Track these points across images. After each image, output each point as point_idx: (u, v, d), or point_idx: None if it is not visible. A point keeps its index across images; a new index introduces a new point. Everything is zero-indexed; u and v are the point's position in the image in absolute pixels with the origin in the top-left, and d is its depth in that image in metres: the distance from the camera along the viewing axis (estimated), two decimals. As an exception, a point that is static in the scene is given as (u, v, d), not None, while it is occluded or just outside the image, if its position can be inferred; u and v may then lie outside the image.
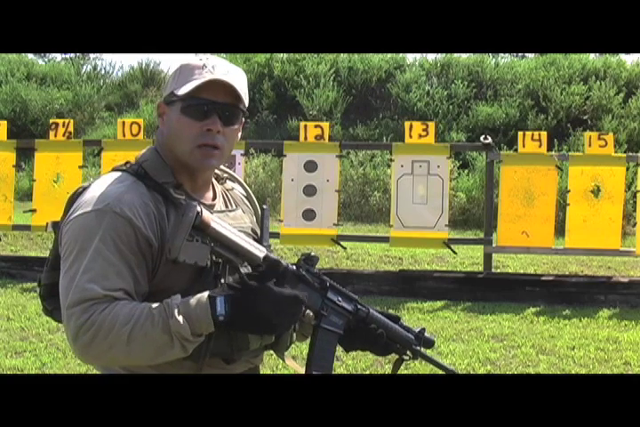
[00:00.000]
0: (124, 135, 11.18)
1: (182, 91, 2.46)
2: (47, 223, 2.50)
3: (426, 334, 2.67)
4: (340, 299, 2.52)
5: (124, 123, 11.40)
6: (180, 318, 2.27)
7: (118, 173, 2.49)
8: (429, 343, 2.68)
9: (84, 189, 2.52)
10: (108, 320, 2.26)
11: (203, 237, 2.32)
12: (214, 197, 2.64)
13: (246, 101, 2.55)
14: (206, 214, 2.35)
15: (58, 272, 2.44)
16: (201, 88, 2.44)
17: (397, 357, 2.67)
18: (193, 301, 2.29)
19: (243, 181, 2.83)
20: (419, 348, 2.66)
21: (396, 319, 2.65)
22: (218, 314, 2.27)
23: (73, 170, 11.33)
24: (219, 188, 2.71)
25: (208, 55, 2.56)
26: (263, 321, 2.30)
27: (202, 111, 2.46)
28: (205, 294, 2.31)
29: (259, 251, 2.42)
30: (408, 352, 2.68)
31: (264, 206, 2.67)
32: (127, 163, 2.54)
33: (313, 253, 2.48)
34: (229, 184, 2.77)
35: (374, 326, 2.56)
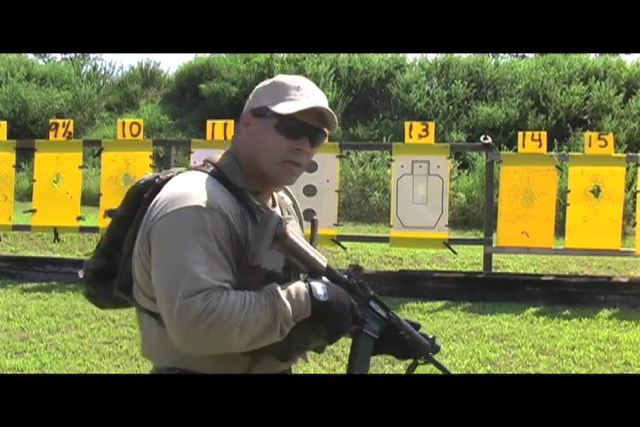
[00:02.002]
0: (124, 135, 11.18)
1: (281, 110, 2.58)
2: (105, 210, 2.53)
3: (436, 342, 2.81)
4: (377, 306, 2.67)
5: (124, 123, 11.40)
6: (285, 301, 2.41)
7: (201, 173, 2.60)
8: (438, 350, 2.81)
9: (157, 184, 2.62)
10: (226, 308, 2.35)
11: (280, 245, 2.48)
12: (274, 205, 2.76)
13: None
14: (285, 225, 2.49)
15: (107, 258, 2.68)
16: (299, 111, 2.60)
17: (412, 360, 2.79)
18: (291, 286, 2.46)
19: (290, 191, 2.93)
20: (431, 354, 2.78)
21: (417, 327, 2.79)
22: (318, 295, 2.45)
23: (73, 170, 11.33)
24: (276, 196, 2.82)
25: (296, 76, 2.76)
26: (345, 314, 2.51)
27: (295, 132, 2.61)
28: (299, 281, 2.49)
29: (322, 260, 2.58)
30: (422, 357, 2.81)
31: (314, 217, 2.85)
32: (205, 164, 2.65)
33: (360, 265, 2.67)
34: (280, 193, 2.88)
35: (403, 332, 2.71)
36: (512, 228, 10.31)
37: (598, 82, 18.70)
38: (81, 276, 2.76)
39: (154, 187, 2.61)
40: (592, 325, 8.79)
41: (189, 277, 2.36)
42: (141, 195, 2.63)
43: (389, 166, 11.31)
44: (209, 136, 11.11)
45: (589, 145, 10.31)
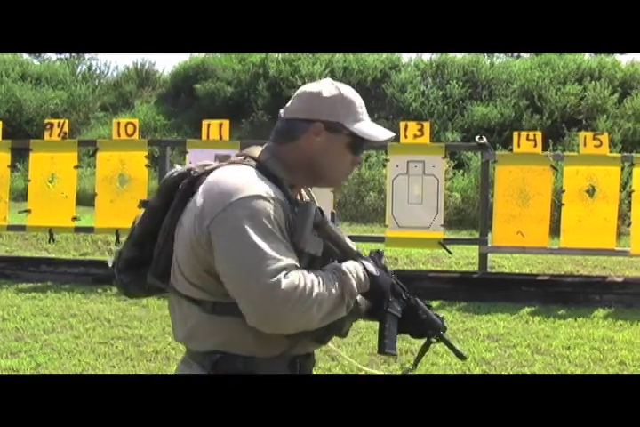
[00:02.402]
0: (119, 135, 11.18)
1: (363, 133, 2.75)
2: (140, 201, 2.55)
3: (444, 322, 2.93)
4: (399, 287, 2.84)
5: (119, 123, 11.39)
6: (350, 276, 2.58)
7: (245, 166, 2.70)
8: (446, 330, 2.93)
9: (193, 176, 2.70)
10: (307, 285, 2.47)
11: (319, 231, 2.61)
12: (301, 199, 2.85)
13: None
14: (323, 214, 2.64)
15: (139, 248, 2.79)
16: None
17: (426, 339, 2.90)
18: (348, 264, 2.64)
19: (309, 189, 3.01)
20: (442, 333, 2.91)
21: (430, 307, 2.92)
22: (371, 271, 2.66)
23: (68, 170, 11.33)
24: (303, 191, 2.93)
25: (350, 88, 2.84)
26: (388, 291, 2.74)
27: (361, 150, 2.82)
28: (351, 261, 2.67)
29: (353, 246, 2.74)
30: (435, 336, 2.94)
31: (333, 211, 2.92)
32: (246, 158, 2.75)
33: (380, 249, 2.84)
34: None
35: (420, 311, 2.85)
36: (507, 227, 10.32)
37: (593, 82, 18.71)
38: (110, 265, 2.87)
39: (190, 179, 2.70)
40: (587, 324, 8.80)
41: (268, 259, 2.45)
42: (175, 186, 2.71)
43: (385, 166, 11.33)
44: (204, 136, 11.10)
45: (584, 145, 10.32)
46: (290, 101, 2.79)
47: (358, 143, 2.77)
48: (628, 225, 10.70)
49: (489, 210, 10.62)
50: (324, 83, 2.79)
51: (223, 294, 2.55)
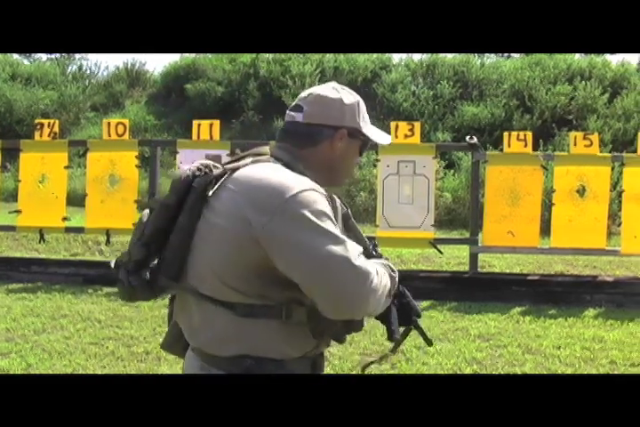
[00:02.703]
0: (109, 135, 11.16)
1: (376, 138, 2.88)
2: (136, 201, 2.54)
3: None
4: None
5: (109, 123, 11.38)
6: (395, 274, 2.74)
7: (278, 165, 2.72)
8: (420, 315, 2.99)
9: (214, 175, 2.69)
10: (377, 270, 2.56)
11: (344, 224, 2.74)
12: None
13: None
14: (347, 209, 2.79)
15: (150, 247, 2.72)
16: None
17: (406, 327, 2.94)
18: (384, 261, 2.78)
19: None
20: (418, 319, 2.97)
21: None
22: (395, 271, 2.75)
23: (58, 170, 11.31)
24: None
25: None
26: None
27: (364, 151, 2.94)
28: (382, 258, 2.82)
29: (367, 240, 2.86)
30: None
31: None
32: (267, 157, 2.78)
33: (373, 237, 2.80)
34: None
35: (409, 299, 2.90)
36: (498, 227, 10.33)
37: (583, 82, 18.74)
38: (113, 266, 2.80)
39: (207, 177, 2.69)
40: (578, 324, 8.81)
41: (347, 243, 2.51)
42: (188, 185, 2.70)
43: (375, 166, 11.30)
44: (195, 136, 11.09)
45: (574, 145, 10.34)
46: (304, 105, 2.79)
47: (367, 147, 2.89)
48: (619, 225, 10.72)
49: (479, 210, 10.63)
50: (336, 88, 2.84)
51: (259, 295, 2.56)
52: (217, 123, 11.13)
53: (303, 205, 2.53)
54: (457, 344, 7.91)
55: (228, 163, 2.77)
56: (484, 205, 10.51)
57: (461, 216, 14.84)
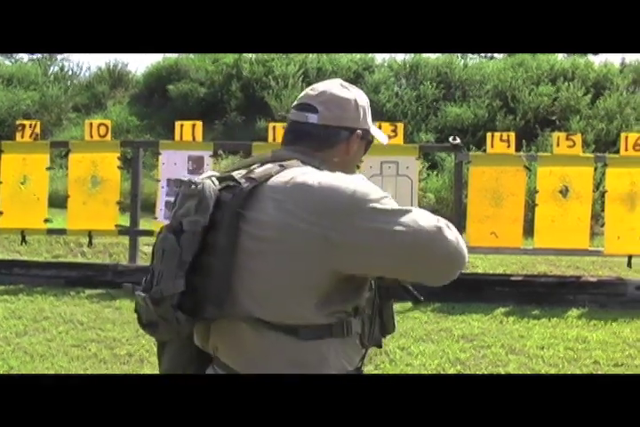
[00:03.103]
0: (91, 136, 11.13)
1: (381, 138, 2.89)
2: (163, 227, 2.35)
3: None
4: None
5: (91, 124, 11.35)
6: None
7: (307, 167, 2.64)
8: None
9: (241, 189, 2.55)
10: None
11: None
12: None
13: None
14: None
15: (193, 276, 2.49)
16: None
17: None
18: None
19: None
20: None
21: None
22: None
23: (40, 172, 11.27)
24: None
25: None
26: None
27: None
28: None
29: None
30: None
31: None
32: (297, 162, 2.67)
33: None
34: None
35: None
36: (481, 228, 10.35)
37: (566, 83, 18.80)
38: (149, 301, 2.54)
39: (238, 191, 2.54)
40: (561, 324, 8.84)
41: (415, 213, 2.51)
42: (217, 201, 2.54)
43: (358, 167, 11.28)
44: (177, 137, 11.07)
45: (557, 145, 10.37)
46: (318, 106, 2.71)
47: (370, 146, 2.89)
48: (602, 225, 10.76)
49: (462, 210, 10.64)
50: (346, 86, 2.79)
51: (325, 313, 2.49)
52: (199, 124, 11.11)
53: (367, 198, 2.47)
54: (440, 345, 7.92)
55: (248, 173, 2.61)
56: (468, 205, 10.53)
57: (444, 217, 14.78)
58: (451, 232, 2.52)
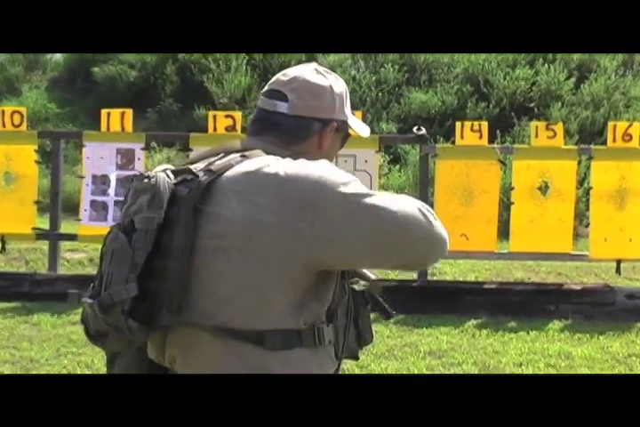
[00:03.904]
0: (3, 126, 11.06)
1: (356, 127, 2.96)
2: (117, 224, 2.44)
3: None
4: None
5: (3, 112, 11.28)
6: None
7: (272, 156, 2.67)
8: None
9: (198, 183, 2.57)
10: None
11: None
12: None
13: None
14: None
15: (147, 279, 2.48)
16: None
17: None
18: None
19: None
20: None
21: None
22: None
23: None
24: None
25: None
26: None
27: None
28: None
29: None
30: None
31: None
32: (258, 151, 2.71)
33: None
34: None
35: None
36: (449, 229, 10.28)
37: (546, 65, 18.88)
38: (96, 308, 2.49)
39: (197, 186, 2.55)
40: (541, 338, 8.91)
41: (403, 196, 2.64)
42: (172, 196, 2.54)
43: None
44: (104, 127, 11.03)
45: (536, 136, 10.45)
46: (288, 93, 2.74)
47: (347, 138, 2.95)
48: (586, 226, 10.85)
49: (429, 210, 10.68)
50: (321, 71, 2.82)
51: (295, 317, 2.51)
52: (129, 112, 11.08)
53: (334, 183, 2.53)
54: (405, 362, 7.96)
55: (208, 165, 2.64)
56: (434, 204, 10.56)
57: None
58: (430, 214, 2.62)
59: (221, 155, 2.70)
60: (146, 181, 2.57)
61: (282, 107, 2.73)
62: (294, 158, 2.65)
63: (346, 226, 2.48)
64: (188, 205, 2.52)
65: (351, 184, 2.54)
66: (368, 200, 2.50)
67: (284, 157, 2.65)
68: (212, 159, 2.68)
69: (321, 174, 2.54)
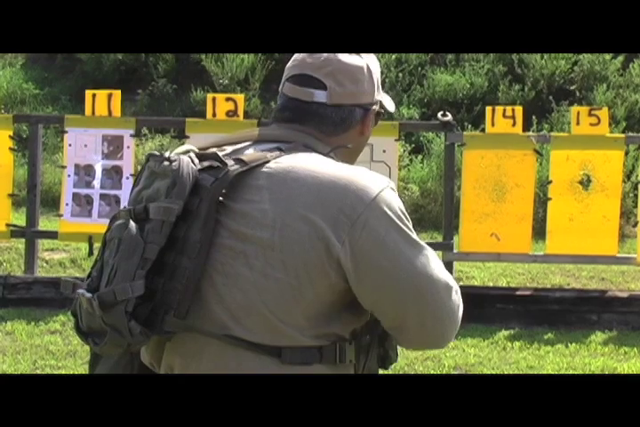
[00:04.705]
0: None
1: (387, 104, 3.01)
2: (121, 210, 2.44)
3: None
4: None
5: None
6: None
7: (315, 154, 2.66)
8: None
9: (226, 176, 2.52)
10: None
11: None
12: None
13: None
14: None
15: (157, 277, 2.47)
16: None
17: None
18: None
19: None
20: None
21: None
22: None
23: None
24: None
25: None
26: None
27: None
28: None
29: None
30: None
31: None
32: (298, 146, 2.67)
33: None
34: None
35: None
36: (478, 229, 10.39)
37: (589, 42, 18.87)
38: (96, 304, 2.45)
39: (223, 176, 2.51)
40: (582, 352, 8.91)
41: (430, 256, 2.60)
42: (195, 186, 2.50)
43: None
44: (88, 111, 11.04)
45: (577, 123, 10.43)
46: (325, 79, 2.71)
47: (380, 117, 2.97)
48: (634, 225, 10.84)
49: (455, 206, 10.69)
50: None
51: (317, 333, 2.53)
52: (117, 93, 11.10)
53: (390, 210, 2.53)
54: (427, 378, 7.96)
55: (236, 152, 2.62)
56: (461, 200, 10.58)
57: (432, 214, 14.91)
58: (457, 297, 2.62)
59: (249, 142, 2.68)
60: (166, 163, 2.52)
61: (320, 96, 2.70)
62: (336, 154, 2.66)
63: (385, 266, 2.51)
64: (212, 197, 2.49)
65: (405, 220, 2.56)
66: (417, 252, 2.55)
67: (325, 153, 2.64)
68: (239, 146, 2.66)
69: (380, 195, 2.55)
